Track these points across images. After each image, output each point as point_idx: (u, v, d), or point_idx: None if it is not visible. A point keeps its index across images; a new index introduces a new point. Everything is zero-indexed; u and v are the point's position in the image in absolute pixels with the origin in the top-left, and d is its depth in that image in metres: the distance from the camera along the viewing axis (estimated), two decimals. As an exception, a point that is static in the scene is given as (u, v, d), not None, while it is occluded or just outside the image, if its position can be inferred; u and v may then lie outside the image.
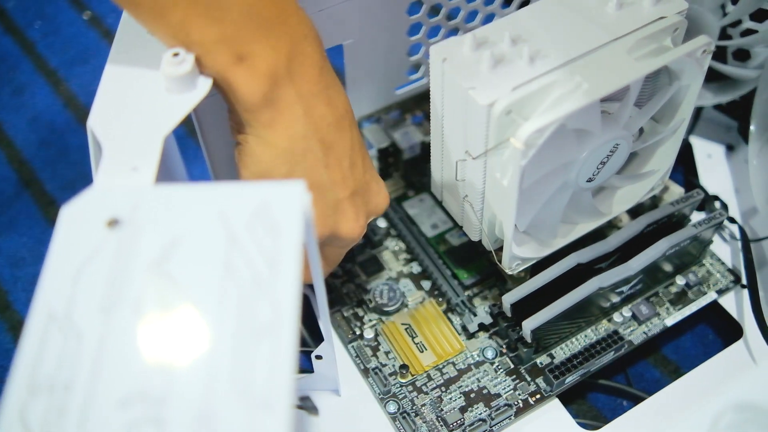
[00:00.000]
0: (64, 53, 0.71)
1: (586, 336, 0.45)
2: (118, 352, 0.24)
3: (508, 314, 0.43)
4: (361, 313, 0.47)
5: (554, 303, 0.41)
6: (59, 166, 0.61)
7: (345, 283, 0.48)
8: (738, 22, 0.51)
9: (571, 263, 0.42)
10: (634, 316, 0.46)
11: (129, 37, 0.35)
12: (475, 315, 0.46)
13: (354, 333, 0.46)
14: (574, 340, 0.45)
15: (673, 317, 0.46)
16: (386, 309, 0.46)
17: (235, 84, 0.32)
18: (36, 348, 0.25)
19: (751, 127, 0.50)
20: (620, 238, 0.44)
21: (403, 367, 0.44)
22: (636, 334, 0.45)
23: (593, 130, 0.37)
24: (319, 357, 0.41)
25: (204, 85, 0.33)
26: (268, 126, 0.33)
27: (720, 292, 0.48)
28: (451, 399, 0.43)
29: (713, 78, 0.53)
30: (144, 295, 0.25)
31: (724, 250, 0.50)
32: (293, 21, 0.32)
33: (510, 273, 0.42)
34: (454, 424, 0.42)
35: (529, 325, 0.41)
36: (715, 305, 0.48)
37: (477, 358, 0.44)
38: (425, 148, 0.53)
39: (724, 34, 0.51)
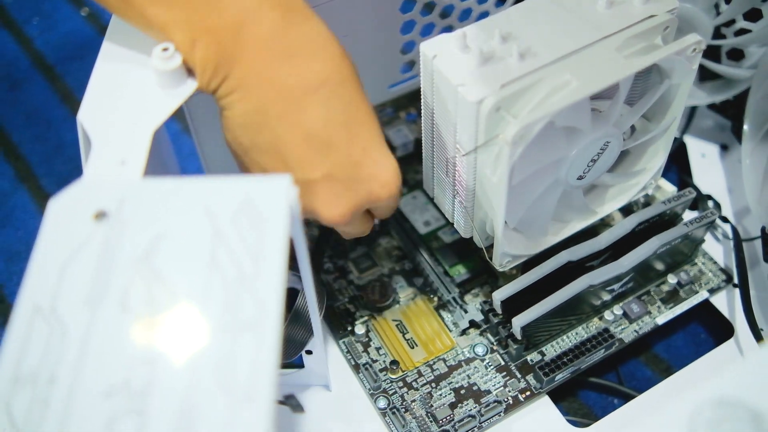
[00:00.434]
0: (62, 49, 0.71)
1: (576, 333, 0.45)
2: (102, 344, 0.25)
3: (499, 311, 0.43)
4: (352, 309, 0.47)
5: (545, 300, 0.41)
6: (55, 162, 0.61)
7: (337, 279, 0.48)
8: (732, 22, 0.51)
9: (562, 261, 0.42)
10: (625, 314, 0.46)
11: (120, 33, 0.35)
12: (466, 312, 0.46)
13: (345, 329, 0.46)
14: (564, 337, 0.45)
15: (664, 316, 0.46)
16: (378, 305, 0.46)
17: (194, 68, 0.33)
18: (21, 340, 0.25)
19: (745, 127, 0.50)
20: (612, 236, 0.44)
21: (394, 363, 0.44)
22: (627, 333, 0.45)
23: (583, 128, 0.37)
24: (309, 352, 0.41)
25: (194, 80, 0.33)
26: (225, 103, 0.33)
27: (712, 291, 0.48)
28: (441, 395, 0.43)
29: (707, 77, 0.53)
30: (129, 289, 0.26)
31: (716, 250, 0.50)
32: None
33: (501, 270, 0.42)
34: (444, 420, 0.42)
35: (518, 321, 0.41)
36: (706, 304, 0.48)
37: (467, 355, 0.44)
38: (418, 145, 0.53)
39: (717, 34, 0.51)
